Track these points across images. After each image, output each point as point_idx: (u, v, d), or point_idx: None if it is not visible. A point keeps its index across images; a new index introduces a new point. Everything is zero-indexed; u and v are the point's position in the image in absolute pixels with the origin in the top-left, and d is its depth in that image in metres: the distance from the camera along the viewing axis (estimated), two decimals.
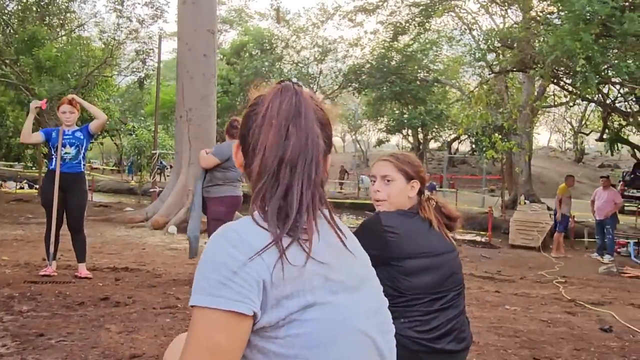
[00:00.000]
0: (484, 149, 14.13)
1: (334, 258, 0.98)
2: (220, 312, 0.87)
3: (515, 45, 9.53)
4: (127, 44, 19.24)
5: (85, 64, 16.73)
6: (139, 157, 18.77)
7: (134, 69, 20.65)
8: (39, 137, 5.16)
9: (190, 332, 0.90)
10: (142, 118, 27.72)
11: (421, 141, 31.33)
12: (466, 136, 25.66)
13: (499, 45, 9.65)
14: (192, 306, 0.90)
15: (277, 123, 0.97)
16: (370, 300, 1.03)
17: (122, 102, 31.34)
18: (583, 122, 19.22)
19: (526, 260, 9.94)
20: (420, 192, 2.15)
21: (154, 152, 15.77)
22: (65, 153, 5.07)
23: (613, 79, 8.77)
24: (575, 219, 11.86)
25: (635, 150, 11.01)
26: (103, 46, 18.75)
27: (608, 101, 10.03)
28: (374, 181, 2.15)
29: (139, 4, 19.81)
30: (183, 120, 11.64)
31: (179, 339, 1.22)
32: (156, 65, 18.30)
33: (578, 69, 7.75)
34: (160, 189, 14.35)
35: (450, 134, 33.41)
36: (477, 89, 13.71)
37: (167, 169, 27.04)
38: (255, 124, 1.00)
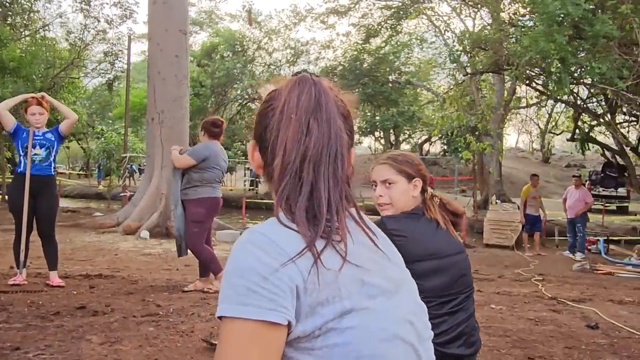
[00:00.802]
0: (459, 149, 14.31)
1: (368, 260, 0.90)
2: (251, 322, 0.78)
3: (488, 47, 9.63)
4: (94, 45, 18.76)
5: (51, 65, 16.23)
6: (108, 161, 18.30)
7: (102, 71, 20.15)
8: (9, 121, 4.86)
9: (220, 347, 0.80)
10: (110, 121, 27.10)
11: (393, 143, 31.54)
12: (437, 138, 25.98)
13: (473, 47, 9.74)
14: (219, 318, 0.81)
15: (297, 118, 0.90)
16: (408, 304, 0.95)
17: (89, 105, 30.59)
18: (551, 123, 19.74)
19: (501, 259, 10.06)
20: (423, 191, 2.09)
21: (124, 155, 15.39)
22: (35, 154, 4.84)
23: (584, 80, 8.93)
24: (547, 217, 12.06)
25: (605, 150, 11.26)
26: (69, 47, 18.22)
27: (579, 102, 10.23)
28: (375, 186, 2.08)
29: (107, 4, 19.38)
30: (155, 123, 11.39)
31: None
32: (125, 66, 17.88)
33: (552, 69, 7.87)
34: (131, 193, 14.01)
35: (421, 136, 33.74)
36: (451, 90, 13.84)
37: (136, 172, 26.51)
38: (273, 121, 0.92)
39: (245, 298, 0.79)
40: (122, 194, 14.93)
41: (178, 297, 4.51)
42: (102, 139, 18.53)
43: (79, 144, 32.83)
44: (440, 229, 1.99)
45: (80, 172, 35.36)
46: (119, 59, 18.63)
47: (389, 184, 2.04)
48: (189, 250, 4.98)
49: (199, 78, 23.73)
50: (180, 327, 3.34)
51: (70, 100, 19.29)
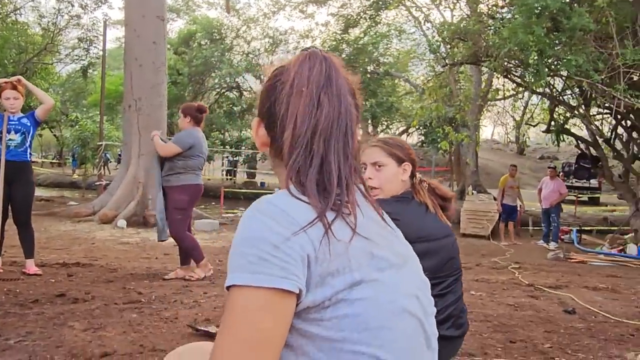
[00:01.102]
0: (438, 140, 14.42)
1: (377, 234, 0.91)
2: (263, 290, 0.78)
3: (468, 38, 9.70)
4: (68, 30, 18.27)
5: (24, 51, 15.79)
6: (83, 149, 17.93)
7: (76, 57, 19.65)
8: None
9: (228, 317, 0.79)
10: (85, 109, 26.53)
11: (371, 134, 31.64)
12: (415, 129, 26.17)
13: (453, 37, 9.80)
14: (227, 288, 0.80)
15: (308, 91, 0.90)
16: (414, 279, 0.96)
17: (62, 92, 29.87)
18: (526, 115, 20.00)
19: (478, 248, 10.22)
20: (412, 175, 2.10)
21: (100, 143, 15.11)
22: (10, 140, 4.71)
23: (561, 72, 9.07)
24: (524, 208, 12.28)
25: (579, 141, 11.49)
26: (42, 32, 17.72)
27: (555, 94, 10.40)
28: (365, 169, 2.08)
29: None
30: (132, 110, 11.21)
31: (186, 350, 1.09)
32: (100, 53, 17.50)
33: (531, 61, 7.97)
34: (107, 181, 13.79)
35: (399, 127, 33.90)
36: (431, 81, 13.93)
37: (110, 161, 26.05)
38: (283, 94, 0.92)
39: (257, 267, 0.79)
40: (98, 183, 14.69)
41: (159, 285, 4.46)
42: (77, 126, 18.12)
43: (52, 132, 32.08)
44: (430, 213, 2.01)
45: (54, 161, 34.61)
46: (94, 45, 18.20)
47: (379, 166, 2.04)
48: (170, 238, 4.94)
49: (176, 66, 23.38)
50: (163, 314, 3.31)
51: (43, 86, 18.83)
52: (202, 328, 2.96)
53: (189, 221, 5.02)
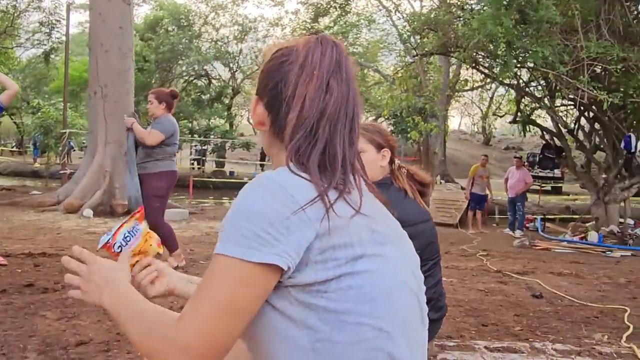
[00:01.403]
0: (408, 130, 14.58)
1: (376, 212, 0.94)
2: (251, 265, 0.80)
3: (438, 28, 9.79)
4: (29, 13, 17.59)
5: None
6: (45, 137, 17.38)
7: (37, 42, 18.97)
8: None
9: (208, 282, 0.82)
10: (47, 95, 25.69)
11: None
12: (384, 119, 26.35)
13: (423, 28, 9.88)
14: (216, 254, 0.82)
15: (319, 75, 0.92)
16: (410, 255, 1.00)
17: (23, 78, 28.81)
18: (493, 106, 20.46)
19: (446, 236, 10.39)
20: (392, 161, 2.12)
21: (64, 131, 14.67)
22: None
23: (528, 64, 9.27)
24: (492, 197, 12.54)
25: (544, 132, 11.79)
26: (1, 14, 17.03)
27: (522, 85, 10.62)
28: None
29: None
30: (98, 97, 10.91)
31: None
32: (63, 38, 16.94)
33: (499, 53, 8.11)
34: (72, 170, 13.43)
35: (368, 117, 34.07)
36: (400, 71, 14.02)
37: (74, 149, 25.37)
38: (291, 75, 0.93)
39: (249, 241, 0.80)
40: (62, 172, 14.29)
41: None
42: (39, 114, 17.54)
43: (12, 119, 30.98)
44: (409, 198, 2.03)
45: (14, 149, 33.47)
46: (57, 30, 17.59)
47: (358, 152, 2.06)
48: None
49: (142, 52, 22.86)
50: None
51: (3, 72, 18.13)
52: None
53: (164, 209, 4.96)
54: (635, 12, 9.79)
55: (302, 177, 0.87)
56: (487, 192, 11.73)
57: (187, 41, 23.81)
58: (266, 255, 0.80)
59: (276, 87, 0.95)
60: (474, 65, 10.17)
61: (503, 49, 8.02)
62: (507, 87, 11.49)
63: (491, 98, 22.77)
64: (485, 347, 2.46)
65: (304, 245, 0.81)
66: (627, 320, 3.47)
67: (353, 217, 0.86)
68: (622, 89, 8.69)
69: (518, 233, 10.94)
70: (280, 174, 0.87)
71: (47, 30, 17.33)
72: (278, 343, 0.85)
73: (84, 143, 24.38)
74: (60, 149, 15.26)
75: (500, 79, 9.75)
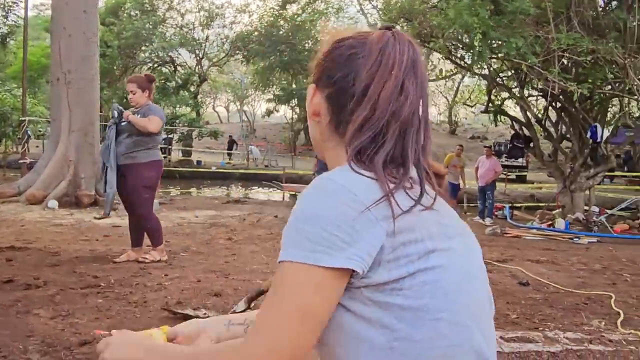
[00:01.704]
0: None
1: (440, 205, 0.91)
2: (320, 269, 0.77)
3: (413, 18, 9.81)
4: None
5: None
6: (2, 125, 16.63)
7: None
8: None
9: (276, 291, 0.79)
10: (2, 81, 24.57)
11: None
12: None
13: (399, 17, 9.88)
14: (281, 262, 0.79)
15: (396, 74, 0.88)
16: (475, 248, 0.96)
17: None
18: (460, 96, 20.82)
19: None
20: None
21: (23, 119, 14.06)
22: None
23: (500, 54, 9.39)
24: (464, 187, 12.73)
25: (513, 122, 12.02)
26: None
27: (493, 75, 10.77)
28: None
29: None
30: (61, 84, 10.46)
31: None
32: (20, 21, 16.19)
33: (475, 43, 8.19)
34: (32, 160, 12.91)
35: None
36: None
37: (31, 138, 24.44)
38: (364, 71, 0.88)
39: (316, 245, 0.77)
40: (22, 161, 13.72)
41: (112, 268, 4.22)
42: None
43: None
44: None
45: None
46: (14, 12, 16.76)
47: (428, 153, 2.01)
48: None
49: (104, 37, 22.11)
50: (131, 298, 3.12)
51: None
52: (180, 311, 2.84)
53: (153, 201, 4.82)
54: (602, 4, 10.04)
55: (365, 176, 0.83)
56: (460, 181, 11.91)
57: (150, 26, 23.19)
58: (337, 259, 0.77)
59: (343, 80, 0.90)
60: (448, 55, 10.25)
61: (479, 39, 8.09)
62: (479, 78, 11.62)
63: (457, 88, 23.11)
64: (501, 337, 2.47)
65: (377, 246, 0.79)
66: (615, 306, 3.55)
67: (422, 211, 0.84)
68: (589, 81, 8.92)
69: (488, 221, 11.16)
70: (341, 174, 0.84)
71: (4, 13, 16.52)
72: (354, 345, 0.82)
73: (40, 131, 23.48)
74: (19, 137, 14.64)
75: (473, 69, 9.85)
